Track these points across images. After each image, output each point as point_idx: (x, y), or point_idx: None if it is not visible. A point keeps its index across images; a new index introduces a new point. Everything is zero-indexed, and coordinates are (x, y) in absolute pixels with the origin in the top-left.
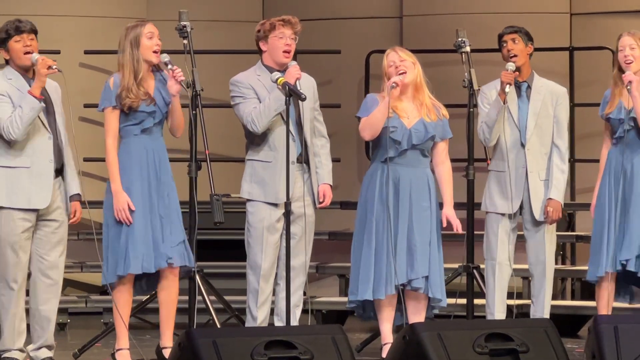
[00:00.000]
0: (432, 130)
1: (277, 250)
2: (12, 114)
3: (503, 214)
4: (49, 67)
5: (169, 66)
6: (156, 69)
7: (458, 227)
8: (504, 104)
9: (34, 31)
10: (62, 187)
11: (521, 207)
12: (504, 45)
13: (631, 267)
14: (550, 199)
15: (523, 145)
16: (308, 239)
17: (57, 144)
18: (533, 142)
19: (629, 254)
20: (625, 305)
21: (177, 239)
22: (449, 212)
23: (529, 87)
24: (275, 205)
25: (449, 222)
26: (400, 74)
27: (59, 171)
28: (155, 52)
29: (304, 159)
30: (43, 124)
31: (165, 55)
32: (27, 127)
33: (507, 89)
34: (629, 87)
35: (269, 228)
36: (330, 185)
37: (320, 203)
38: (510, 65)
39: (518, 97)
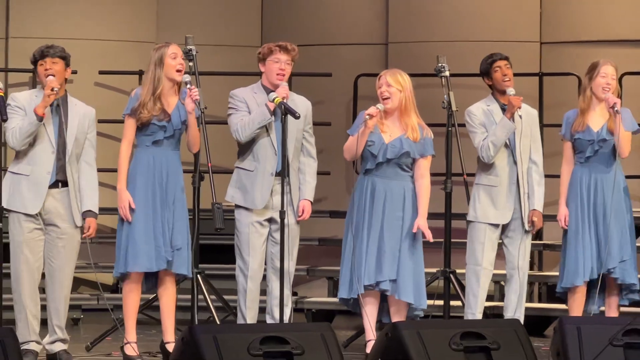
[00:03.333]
0: (408, 147)
1: (263, 254)
2: (14, 125)
3: (492, 224)
4: (52, 91)
5: (188, 85)
6: (179, 88)
7: (429, 237)
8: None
9: (61, 56)
10: (68, 198)
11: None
12: (497, 70)
13: (617, 275)
14: (534, 210)
15: (515, 163)
16: (291, 245)
17: (61, 161)
18: (522, 159)
19: (613, 263)
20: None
21: (177, 245)
22: (421, 222)
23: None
24: (252, 210)
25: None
26: (384, 99)
27: (64, 183)
28: (178, 70)
29: (284, 172)
30: (50, 140)
31: (187, 75)
32: (24, 139)
33: (519, 112)
34: (616, 108)
35: (252, 232)
36: (311, 202)
37: (299, 216)
38: (512, 90)
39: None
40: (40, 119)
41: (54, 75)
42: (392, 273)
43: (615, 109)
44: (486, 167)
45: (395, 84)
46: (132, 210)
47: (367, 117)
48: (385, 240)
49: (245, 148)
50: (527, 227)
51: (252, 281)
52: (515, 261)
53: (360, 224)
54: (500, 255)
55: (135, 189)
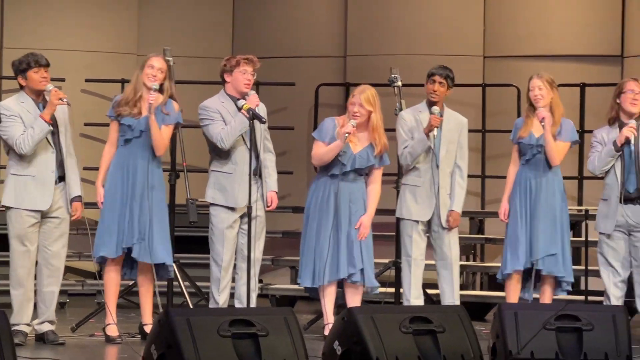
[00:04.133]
0: (373, 160)
1: (234, 246)
2: (24, 133)
3: (417, 220)
4: (60, 99)
5: (151, 91)
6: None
7: (364, 235)
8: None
9: (48, 65)
10: (64, 190)
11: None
12: (432, 82)
13: (541, 266)
14: (451, 210)
15: (437, 166)
16: (259, 235)
17: (59, 158)
18: (444, 164)
19: (539, 255)
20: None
21: (150, 234)
22: (365, 220)
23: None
24: (234, 209)
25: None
26: (354, 116)
27: (62, 178)
28: (149, 79)
29: (258, 172)
30: (49, 142)
31: (155, 83)
32: (35, 144)
33: (436, 132)
34: (543, 123)
35: (228, 228)
36: (276, 192)
37: (268, 206)
38: (436, 110)
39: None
40: (49, 124)
41: (50, 84)
42: (360, 263)
43: (542, 123)
44: (410, 170)
45: (368, 106)
46: (103, 203)
47: (346, 134)
48: (352, 235)
49: (222, 153)
50: (444, 224)
51: (224, 270)
52: (443, 253)
53: (322, 221)
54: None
55: (110, 184)
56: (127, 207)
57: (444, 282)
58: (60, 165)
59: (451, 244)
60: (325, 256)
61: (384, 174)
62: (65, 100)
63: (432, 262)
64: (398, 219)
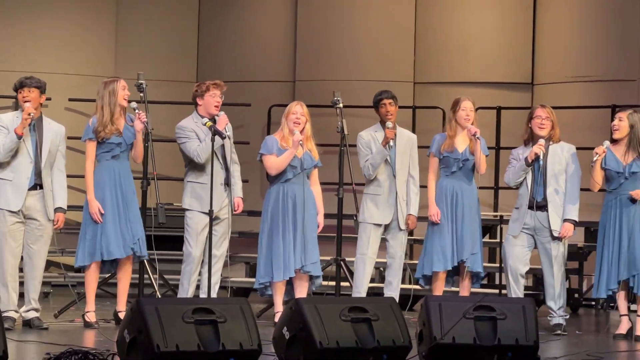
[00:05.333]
0: (314, 161)
1: (204, 244)
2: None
3: (376, 224)
4: (28, 115)
5: (137, 111)
6: (124, 112)
7: (320, 226)
8: (388, 153)
9: (36, 86)
10: (43, 197)
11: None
12: (383, 106)
13: (468, 264)
14: (409, 214)
15: (395, 176)
16: (227, 235)
17: (38, 167)
18: (400, 174)
19: (466, 255)
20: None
21: (136, 235)
22: (320, 219)
23: (395, 135)
24: (206, 213)
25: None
26: (296, 126)
27: (40, 186)
28: (125, 99)
29: (228, 181)
30: (28, 152)
31: (134, 102)
32: (7, 153)
33: (391, 143)
34: (477, 136)
35: (202, 230)
36: (242, 198)
37: (235, 210)
38: (390, 124)
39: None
40: (20, 137)
41: (29, 102)
42: (313, 257)
43: (477, 136)
44: (372, 180)
45: (307, 116)
46: (102, 215)
47: (300, 143)
48: (308, 232)
49: (197, 166)
50: (402, 227)
51: (196, 265)
52: (394, 252)
53: (281, 222)
54: (382, 247)
55: (103, 196)
56: (123, 213)
57: (392, 277)
58: (38, 174)
59: (403, 244)
60: (282, 255)
61: (326, 183)
62: (31, 115)
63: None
64: (359, 222)
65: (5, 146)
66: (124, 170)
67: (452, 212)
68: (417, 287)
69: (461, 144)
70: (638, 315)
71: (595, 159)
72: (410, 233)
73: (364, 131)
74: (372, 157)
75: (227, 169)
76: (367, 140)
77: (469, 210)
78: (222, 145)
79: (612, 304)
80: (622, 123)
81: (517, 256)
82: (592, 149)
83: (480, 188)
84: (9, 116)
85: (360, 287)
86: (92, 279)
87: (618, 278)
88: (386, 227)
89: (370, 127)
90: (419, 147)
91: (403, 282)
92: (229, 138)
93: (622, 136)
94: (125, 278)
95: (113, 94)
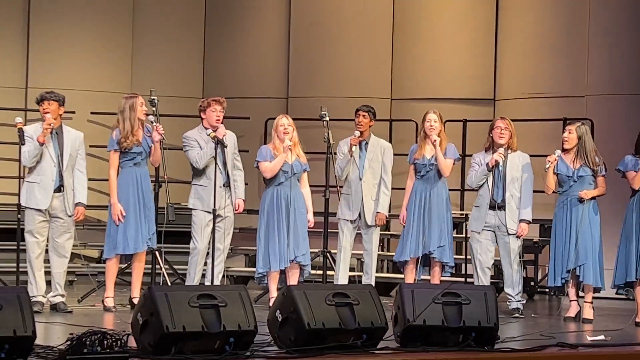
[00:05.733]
0: (304, 166)
1: (209, 239)
2: (25, 150)
3: (348, 220)
4: (49, 125)
5: (154, 124)
6: (142, 124)
7: (311, 223)
8: (351, 157)
9: (55, 99)
10: (65, 198)
11: (360, 216)
12: (358, 116)
13: (435, 255)
14: (378, 212)
15: (361, 179)
16: (229, 231)
17: (59, 171)
18: (367, 177)
19: (433, 247)
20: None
21: (151, 230)
22: (310, 217)
23: (366, 143)
24: (209, 212)
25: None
26: (286, 135)
27: (61, 188)
28: (144, 113)
29: (227, 184)
30: (51, 157)
31: (152, 116)
32: (32, 159)
33: (354, 149)
34: (435, 143)
35: (205, 226)
36: (243, 200)
37: (236, 210)
38: (357, 133)
39: (360, 150)
40: (41, 144)
41: (49, 113)
42: (303, 249)
43: (436, 144)
44: (345, 181)
45: (293, 125)
46: (124, 215)
47: (289, 146)
48: (299, 228)
49: (200, 171)
50: (370, 223)
51: (201, 256)
52: (367, 245)
53: (276, 220)
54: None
55: (128, 198)
56: (143, 213)
57: (366, 265)
58: (61, 176)
59: (373, 240)
60: (277, 248)
61: (315, 185)
62: (52, 125)
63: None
64: (339, 219)
65: (31, 153)
66: (144, 175)
67: (421, 210)
68: (392, 275)
69: (429, 151)
70: (585, 301)
71: (547, 166)
72: (388, 228)
73: (342, 141)
74: (340, 161)
75: (227, 174)
76: (341, 147)
77: (437, 208)
78: (222, 153)
79: (563, 291)
80: (571, 135)
81: (484, 251)
82: (546, 156)
83: (450, 190)
84: (33, 127)
85: (339, 275)
86: (113, 269)
87: (567, 267)
88: (359, 224)
89: (346, 138)
90: (396, 154)
91: (382, 271)
92: (231, 147)
93: (572, 146)
94: (139, 269)
95: (133, 109)
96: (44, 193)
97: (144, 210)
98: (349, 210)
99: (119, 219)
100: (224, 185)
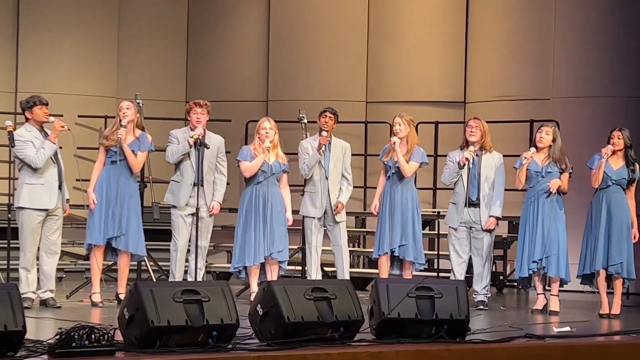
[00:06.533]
0: (283, 167)
1: (188, 235)
2: (37, 152)
3: (314, 217)
4: (62, 126)
5: (122, 127)
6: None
7: (290, 221)
8: (321, 156)
9: (47, 103)
10: (61, 195)
11: (325, 213)
12: (324, 117)
13: (397, 253)
14: (339, 201)
15: (327, 178)
16: (206, 231)
17: (60, 171)
18: (332, 176)
19: (396, 244)
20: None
21: (127, 230)
22: (288, 216)
23: (329, 143)
24: (179, 207)
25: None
26: (267, 137)
27: (59, 186)
28: (124, 117)
29: (200, 183)
30: (52, 159)
31: (124, 121)
32: (45, 160)
33: (323, 148)
34: (394, 146)
35: (181, 221)
36: (219, 202)
37: (211, 212)
38: (325, 133)
39: (325, 150)
40: (54, 145)
41: (53, 116)
42: (280, 246)
43: (394, 147)
44: (309, 180)
45: (275, 128)
46: (96, 207)
47: (268, 148)
48: (275, 226)
49: (176, 167)
50: (337, 219)
51: (180, 253)
52: (335, 241)
53: (254, 218)
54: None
55: (99, 192)
56: (110, 209)
57: (337, 262)
58: (60, 176)
59: (341, 234)
60: (252, 244)
61: (293, 184)
62: (65, 127)
63: (329, 248)
64: (303, 217)
65: (46, 155)
66: (119, 174)
67: (389, 208)
68: (368, 270)
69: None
70: (551, 294)
71: (523, 162)
72: (363, 225)
73: (304, 140)
74: (307, 160)
75: (200, 174)
76: (305, 147)
77: (400, 208)
78: (199, 153)
79: (530, 284)
80: (548, 136)
81: (461, 247)
82: (515, 156)
83: (421, 189)
84: (23, 131)
85: (311, 271)
86: (95, 266)
87: (534, 258)
88: (326, 220)
89: (310, 137)
90: (370, 155)
91: (357, 266)
92: (214, 150)
93: (545, 146)
94: (123, 266)
95: (118, 112)
96: (49, 193)
97: (115, 208)
98: (315, 208)
99: (90, 209)
100: (194, 184)
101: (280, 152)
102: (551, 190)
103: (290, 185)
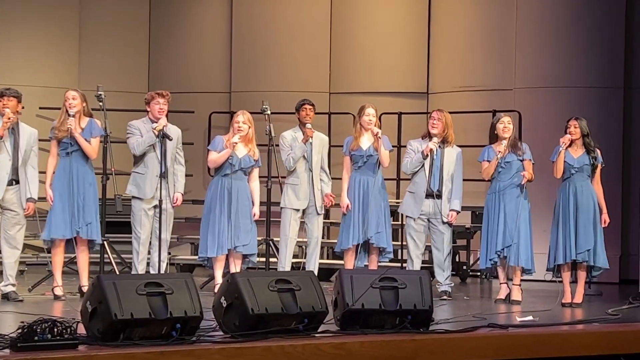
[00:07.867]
0: (252, 162)
1: (150, 227)
2: None
3: (296, 209)
4: (9, 118)
5: (71, 117)
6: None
7: (256, 216)
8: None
9: (14, 96)
10: (19, 191)
11: (308, 204)
12: (304, 110)
13: (373, 241)
14: (327, 194)
15: (311, 170)
16: (169, 222)
17: (15, 164)
18: (315, 167)
19: (371, 233)
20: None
21: (87, 220)
22: (255, 210)
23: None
24: (142, 199)
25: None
26: (239, 132)
27: (17, 181)
28: (70, 107)
29: (165, 175)
30: (7, 151)
31: (72, 110)
32: None
33: (311, 140)
34: (379, 136)
35: (143, 214)
36: (182, 193)
37: (174, 203)
38: (309, 125)
39: (307, 142)
40: (1, 138)
41: (8, 109)
42: (246, 239)
43: (379, 136)
44: (291, 172)
45: (249, 123)
46: (54, 200)
47: (235, 143)
48: (240, 219)
49: (139, 159)
50: (319, 211)
51: (142, 246)
52: (311, 233)
53: (220, 209)
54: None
55: (57, 185)
56: (74, 202)
57: (310, 253)
58: (15, 170)
59: (319, 226)
60: (216, 235)
61: (264, 176)
62: (11, 118)
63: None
64: (281, 208)
65: None
66: (76, 165)
67: (360, 199)
68: (332, 261)
69: (365, 143)
70: (513, 284)
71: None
72: (328, 217)
73: (285, 132)
74: (293, 152)
75: (164, 165)
76: (288, 139)
77: (374, 197)
78: (162, 144)
79: (494, 274)
80: (510, 125)
81: (419, 237)
82: (477, 146)
83: (385, 179)
84: None
85: (284, 262)
86: (57, 258)
87: (496, 249)
88: (304, 212)
89: (291, 129)
90: (334, 146)
91: (322, 257)
92: (174, 141)
93: (509, 135)
94: (83, 257)
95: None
96: None
97: (73, 199)
98: (298, 199)
99: (50, 203)
100: (160, 175)
101: (255, 147)
102: (523, 182)
103: (273, 178)
